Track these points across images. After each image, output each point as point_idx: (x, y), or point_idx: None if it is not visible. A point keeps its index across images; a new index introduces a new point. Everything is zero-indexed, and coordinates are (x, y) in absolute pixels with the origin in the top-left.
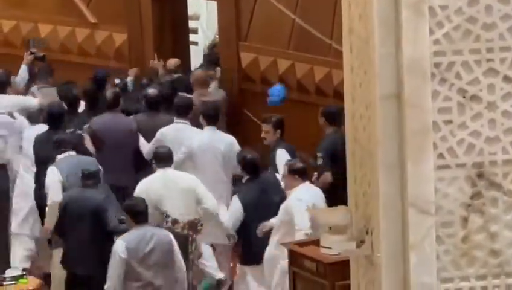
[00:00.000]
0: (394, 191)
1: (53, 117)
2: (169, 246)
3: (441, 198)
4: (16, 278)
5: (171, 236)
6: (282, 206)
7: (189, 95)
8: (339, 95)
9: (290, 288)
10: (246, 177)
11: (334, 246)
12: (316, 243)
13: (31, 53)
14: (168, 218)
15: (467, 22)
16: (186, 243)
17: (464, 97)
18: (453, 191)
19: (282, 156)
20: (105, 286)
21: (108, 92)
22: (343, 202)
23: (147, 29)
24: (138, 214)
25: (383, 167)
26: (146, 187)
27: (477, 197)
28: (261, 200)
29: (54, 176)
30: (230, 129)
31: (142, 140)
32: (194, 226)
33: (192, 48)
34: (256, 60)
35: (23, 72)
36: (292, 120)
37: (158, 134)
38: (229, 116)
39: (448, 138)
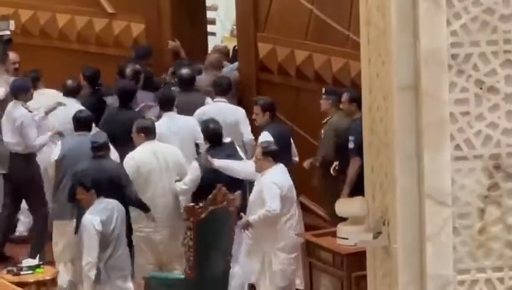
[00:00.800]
0: (411, 183)
1: (124, 95)
2: (124, 215)
3: (457, 189)
4: (32, 268)
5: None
6: (256, 188)
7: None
8: (356, 86)
9: (307, 279)
10: (207, 145)
11: (350, 237)
12: (333, 234)
13: None
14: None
15: (484, 13)
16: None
17: (481, 88)
18: (470, 182)
19: (262, 138)
20: (85, 262)
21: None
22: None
23: (164, 20)
24: (100, 186)
25: (400, 158)
26: (136, 160)
27: (494, 188)
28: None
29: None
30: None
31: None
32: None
33: (210, 38)
34: (274, 50)
35: None
36: (309, 110)
37: (200, 113)
38: (245, 107)
39: (465, 130)
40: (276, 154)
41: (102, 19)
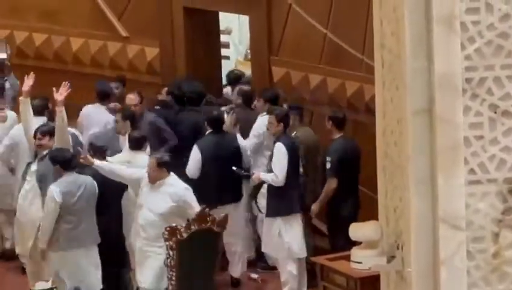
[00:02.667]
0: (425, 207)
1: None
2: (95, 192)
3: (472, 213)
4: None
5: (95, 184)
6: (176, 194)
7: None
8: (370, 110)
9: None
10: (209, 131)
11: (364, 261)
12: (347, 257)
13: None
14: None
15: (499, 38)
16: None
17: (495, 112)
18: (484, 206)
19: (276, 150)
20: (40, 228)
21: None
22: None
23: (178, 44)
24: (66, 162)
25: (414, 182)
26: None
27: (509, 212)
28: (215, 151)
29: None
30: None
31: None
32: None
33: (224, 62)
34: (288, 74)
35: None
36: (324, 134)
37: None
38: None
39: (479, 154)
40: (169, 165)
41: (116, 42)
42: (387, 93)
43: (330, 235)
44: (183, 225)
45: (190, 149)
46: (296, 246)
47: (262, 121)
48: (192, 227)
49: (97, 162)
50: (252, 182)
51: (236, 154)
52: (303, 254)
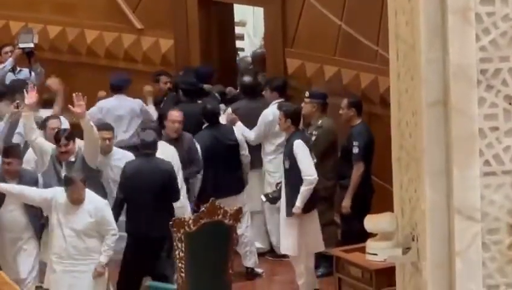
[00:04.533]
0: (440, 198)
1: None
2: None
3: (487, 205)
4: None
5: None
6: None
7: None
8: (384, 101)
9: None
10: (205, 125)
11: (379, 253)
12: (362, 249)
13: (20, 48)
14: None
15: None
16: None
17: (510, 104)
18: (499, 198)
19: (300, 146)
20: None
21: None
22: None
23: (193, 36)
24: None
25: (429, 173)
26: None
27: None
28: (212, 144)
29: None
30: None
31: (242, 127)
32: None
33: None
34: (303, 66)
35: (8, 64)
36: (338, 126)
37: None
38: None
39: (494, 145)
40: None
41: (130, 34)
42: (402, 84)
43: (344, 221)
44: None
45: None
46: (316, 240)
47: (271, 110)
48: (201, 220)
49: (3, 186)
50: (296, 209)
51: (233, 147)
52: (322, 247)
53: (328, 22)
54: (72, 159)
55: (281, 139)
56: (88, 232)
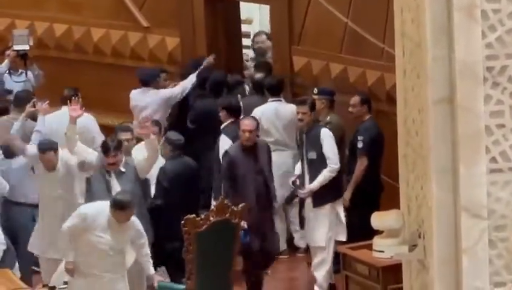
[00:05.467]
0: (447, 195)
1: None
2: None
3: (493, 202)
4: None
5: None
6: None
7: None
8: (391, 98)
9: None
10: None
11: (386, 250)
12: (369, 246)
13: (15, 50)
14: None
15: None
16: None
17: None
18: (506, 195)
19: (328, 134)
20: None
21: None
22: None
23: (199, 34)
24: None
25: (435, 170)
26: None
27: None
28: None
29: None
30: None
31: None
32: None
33: (244, 51)
34: (309, 64)
35: (4, 66)
36: (345, 123)
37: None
38: None
39: (500, 142)
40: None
41: (137, 32)
42: (408, 82)
43: (349, 216)
44: (202, 216)
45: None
46: (340, 229)
47: (261, 108)
48: (211, 218)
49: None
50: (308, 190)
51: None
52: (344, 237)
53: (334, 19)
54: (122, 169)
55: (271, 138)
56: (125, 249)
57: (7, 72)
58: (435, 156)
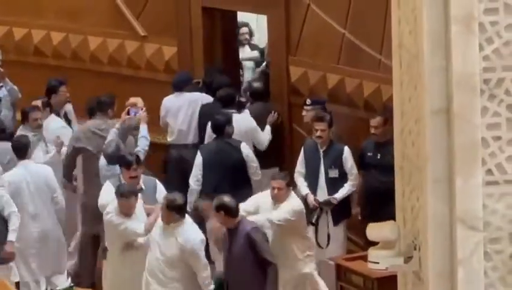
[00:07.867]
0: (442, 207)
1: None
2: None
3: (489, 214)
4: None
5: None
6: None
7: None
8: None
9: None
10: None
11: (381, 261)
12: (364, 258)
13: None
14: None
15: None
16: None
17: None
18: (502, 207)
19: (350, 153)
20: None
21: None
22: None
23: (196, 43)
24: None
25: (431, 182)
26: None
27: None
28: (217, 156)
29: None
30: (277, 142)
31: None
32: None
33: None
34: (306, 74)
35: None
36: (344, 133)
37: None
38: (277, 130)
39: (497, 154)
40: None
41: (134, 41)
42: (405, 93)
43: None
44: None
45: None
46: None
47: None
48: None
49: None
50: (334, 200)
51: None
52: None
53: (331, 30)
54: (143, 186)
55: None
56: (175, 263)
57: None
58: (431, 167)
